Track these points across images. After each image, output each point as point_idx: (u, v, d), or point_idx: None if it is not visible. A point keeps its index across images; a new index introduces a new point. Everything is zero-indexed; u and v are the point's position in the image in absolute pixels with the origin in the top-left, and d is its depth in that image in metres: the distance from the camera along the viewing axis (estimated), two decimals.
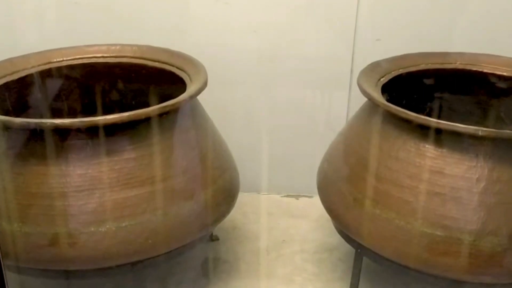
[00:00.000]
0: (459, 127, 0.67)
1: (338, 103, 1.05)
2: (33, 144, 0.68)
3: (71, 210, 0.68)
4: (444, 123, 0.68)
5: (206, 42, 0.99)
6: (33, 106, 0.85)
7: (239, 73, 1.02)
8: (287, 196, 1.14)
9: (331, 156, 0.86)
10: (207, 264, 0.94)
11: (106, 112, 0.91)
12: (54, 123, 0.66)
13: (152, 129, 0.71)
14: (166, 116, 0.73)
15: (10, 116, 0.79)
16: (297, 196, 1.14)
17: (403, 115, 0.71)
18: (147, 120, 0.70)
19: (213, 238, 0.99)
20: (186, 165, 0.75)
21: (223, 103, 0.99)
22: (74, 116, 0.89)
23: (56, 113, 0.89)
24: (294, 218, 1.08)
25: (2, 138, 0.69)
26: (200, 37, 1.00)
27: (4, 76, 0.83)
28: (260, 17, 1.00)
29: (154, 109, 0.70)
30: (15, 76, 0.84)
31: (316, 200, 1.11)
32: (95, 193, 0.68)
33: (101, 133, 0.68)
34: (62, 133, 0.67)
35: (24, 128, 0.67)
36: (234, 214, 0.99)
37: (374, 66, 0.86)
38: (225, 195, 0.82)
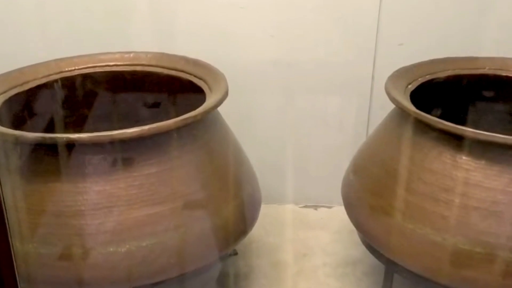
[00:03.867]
0: (499, 137, 0.63)
1: (358, 110, 1.01)
2: (47, 159, 0.64)
3: (88, 229, 0.64)
4: (483, 134, 0.64)
5: (221, 48, 0.96)
6: (44, 118, 0.82)
7: (256, 80, 0.98)
8: (306, 206, 1.10)
9: (357, 167, 0.82)
10: (226, 279, 0.91)
11: (121, 123, 0.88)
12: (70, 138, 0.62)
13: (172, 142, 0.68)
14: (186, 128, 0.69)
15: (22, 128, 0.76)
16: (315, 207, 1.10)
17: (439, 125, 0.67)
18: (167, 133, 0.66)
19: (232, 253, 0.95)
20: (207, 179, 0.72)
21: (239, 111, 0.95)
22: (88, 128, 0.85)
23: (69, 125, 0.85)
24: (314, 229, 1.04)
25: (14, 153, 0.65)
26: (215, 43, 0.96)
27: (14, 87, 0.79)
28: (277, 21, 0.96)
29: (176, 121, 0.66)
30: (25, 87, 0.80)
31: (336, 211, 1.08)
32: (114, 211, 0.64)
33: (119, 147, 0.64)
34: (78, 148, 0.63)
35: (38, 143, 0.63)
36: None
37: (401, 72, 0.82)
38: (248, 209, 0.78)
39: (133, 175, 0.65)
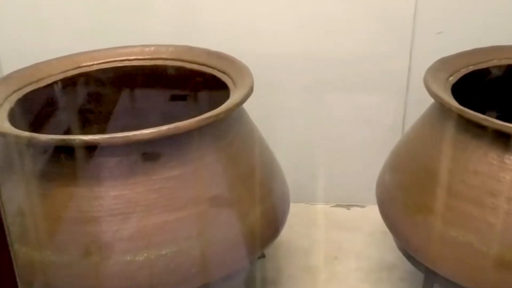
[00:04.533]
0: None
1: (394, 105, 0.95)
2: (62, 162, 0.60)
3: (104, 237, 0.60)
4: None
5: (244, 40, 0.90)
6: (60, 115, 0.78)
7: (283, 74, 0.92)
8: (337, 206, 1.05)
9: (393, 167, 0.76)
10: (253, 284, 0.86)
11: (140, 120, 0.83)
12: (83, 140, 0.58)
13: (193, 143, 0.63)
14: (208, 127, 0.64)
15: (36, 127, 0.72)
16: (348, 206, 1.04)
17: (485, 123, 0.61)
18: (187, 133, 0.61)
19: (259, 256, 0.90)
20: (232, 181, 0.67)
21: (265, 107, 0.89)
22: (106, 125, 0.81)
23: (86, 123, 0.81)
24: (346, 231, 0.98)
25: (27, 156, 0.61)
26: (238, 34, 0.90)
27: (30, 84, 0.75)
28: (307, 10, 0.90)
29: (197, 121, 0.61)
30: (41, 84, 0.76)
31: (369, 211, 1.02)
32: (131, 217, 0.60)
33: (136, 149, 0.60)
34: (92, 150, 0.59)
35: (50, 146, 0.59)
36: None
37: (441, 64, 0.75)
38: (275, 214, 0.74)
39: (152, 179, 0.61)
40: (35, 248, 0.60)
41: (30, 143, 0.60)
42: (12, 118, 0.67)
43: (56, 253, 0.60)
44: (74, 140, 0.57)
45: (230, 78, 0.76)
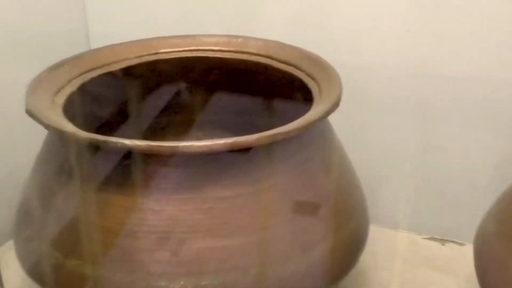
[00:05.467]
0: None
1: None
2: (103, 165, 0.53)
3: (137, 255, 0.52)
4: None
5: (341, 42, 0.79)
6: (129, 107, 0.72)
7: (380, 86, 0.80)
8: (430, 239, 0.91)
9: (503, 212, 0.63)
10: None
11: (216, 117, 0.76)
12: (124, 144, 0.50)
13: (255, 161, 0.54)
14: (276, 144, 0.54)
15: (101, 117, 0.66)
16: (443, 241, 0.90)
17: None
18: (248, 150, 0.52)
19: None
20: (297, 209, 0.57)
21: (354, 123, 0.78)
22: (173, 124, 0.74)
23: (156, 118, 0.74)
24: (436, 270, 0.85)
25: (72, 152, 0.55)
26: (335, 35, 0.79)
27: (101, 67, 0.69)
28: (415, 12, 0.76)
29: (259, 138, 0.52)
30: (114, 67, 0.70)
31: (468, 250, 0.87)
32: (171, 237, 0.52)
33: (186, 162, 0.52)
34: (136, 157, 0.52)
35: (92, 146, 0.52)
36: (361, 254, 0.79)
37: None
38: (349, 248, 0.63)
39: (201, 197, 0.53)
40: (65, 254, 0.54)
41: (72, 139, 0.53)
42: (70, 104, 0.61)
43: (83, 264, 0.53)
44: (115, 143, 0.50)
45: (318, 85, 0.65)
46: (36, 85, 0.60)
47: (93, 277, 0.53)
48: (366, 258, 0.84)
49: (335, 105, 0.59)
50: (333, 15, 0.79)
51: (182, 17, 0.85)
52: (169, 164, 0.52)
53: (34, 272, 0.58)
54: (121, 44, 0.72)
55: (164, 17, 0.86)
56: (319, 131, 0.61)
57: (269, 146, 0.54)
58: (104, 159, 0.53)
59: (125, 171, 0.52)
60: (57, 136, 0.55)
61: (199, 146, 0.50)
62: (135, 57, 0.72)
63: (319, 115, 0.57)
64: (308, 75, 0.68)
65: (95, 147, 0.52)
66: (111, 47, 0.71)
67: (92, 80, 0.67)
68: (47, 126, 0.53)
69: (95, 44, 0.86)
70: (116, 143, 0.50)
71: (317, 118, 0.57)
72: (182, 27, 0.77)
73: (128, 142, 0.50)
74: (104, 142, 0.50)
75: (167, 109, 0.75)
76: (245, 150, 0.52)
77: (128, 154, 0.51)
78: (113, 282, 0.53)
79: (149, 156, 0.51)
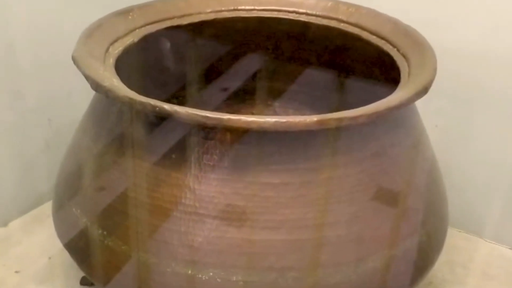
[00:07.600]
0: None
1: None
2: (148, 132, 0.47)
3: (166, 236, 0.46)
4: None
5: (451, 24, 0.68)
6: (192, 68, 0.65)
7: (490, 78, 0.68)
8: None
9: None
10: None
11: (287, 91, 0.68)
12: (163, 108, 0.43)
13: (317, 146, 0.45)
14: (346, 129, 0.46)
15: (147, 75, 0.60)
16: None
17: None
18: (314, 132, 0.44)
19: None
20: (363, 206, 0.48)
21: (449, 113, 0.67)
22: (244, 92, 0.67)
23: (225, 84, 0.68)
24: None
25: (119, 116, 0.49)
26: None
27: (171, 18, 0.63)
28: None
29: (320, 120, 0.43)
30: (185, 21, 0.64)
31: None
32: (204, 222, 0.46)
33: (239, 139, 0.44)
34: (178, 126, 0.45)
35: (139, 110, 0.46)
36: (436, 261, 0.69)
37: None
38: (420, 257, 0.54)
39: (244, 181, 0.45)
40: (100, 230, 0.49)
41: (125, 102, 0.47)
42: (126, 56, 0.56)
43: (107, 237, 0.48)
44: (154, 106, 0.43)
45: (407, 62, 0.56)
46: (93, 31, 0.55)
47: (121, 253, 0.48)
48: (440, 266, 0.74)
49: (422, 91, 0.49)
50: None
51: None
52: (215, 138, 0.44)
53: (71, 246, 0.54)
54: None
55: None
56: (399, 120, 0.52)
57: (332, 132, 0.45)
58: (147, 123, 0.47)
59: (165, 141, 0.46)
60: (98, 92, 0.49)
61: (245, 121, 0.42)
62: (211, 12, 0.65)
63: (399, 101, 0.47)
64: (399, 51, 0.58)
65: (135, 111, 0.46)
66: None
67: (158, 32, 0.61)
68: (87, 77, 0.47)
69: None
70: (154, 106, 0.43)
71: (396, 104, 0.47)
72: None
73: (166, 106, 0.43)
74: (141, 103, 0.44)
75: (237, 75, 0.68)
76: (302, 132, 0.44)
77: (167, 120, 0.45)
78: (136, 264, 0.47)
79: (189, 125, 0.44)
